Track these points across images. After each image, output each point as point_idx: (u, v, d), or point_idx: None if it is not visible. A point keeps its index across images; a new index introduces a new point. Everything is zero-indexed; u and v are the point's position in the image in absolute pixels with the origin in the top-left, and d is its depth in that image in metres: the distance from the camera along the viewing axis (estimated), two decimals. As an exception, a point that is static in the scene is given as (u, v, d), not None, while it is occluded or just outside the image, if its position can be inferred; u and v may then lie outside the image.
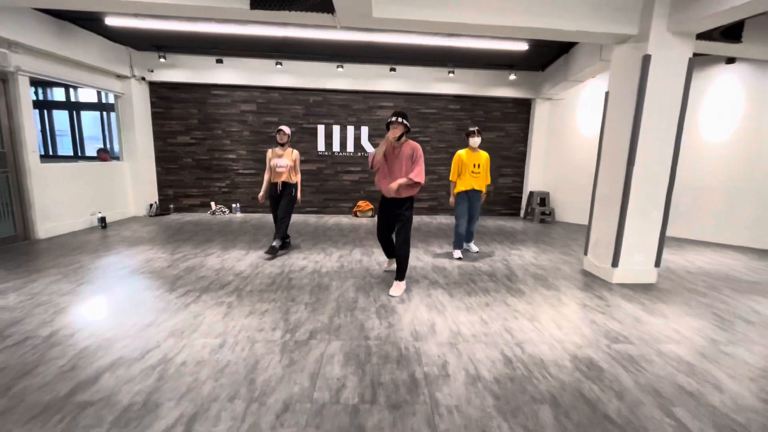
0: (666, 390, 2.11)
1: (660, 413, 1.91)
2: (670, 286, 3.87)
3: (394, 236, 3.65)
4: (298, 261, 4.39)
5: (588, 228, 4.35)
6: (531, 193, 7.81)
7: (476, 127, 4.62)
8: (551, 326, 2.87)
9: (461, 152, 4.57)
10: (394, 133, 3.21)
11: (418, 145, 3.36)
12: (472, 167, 4.54)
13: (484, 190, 4.70)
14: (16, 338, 2.48)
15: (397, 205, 3.42)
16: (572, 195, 7.53)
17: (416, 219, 7.65)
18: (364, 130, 7.64)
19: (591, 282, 3.94)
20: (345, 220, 7.30)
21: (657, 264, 3.94)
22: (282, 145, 4.54)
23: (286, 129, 4.53)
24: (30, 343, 2.42)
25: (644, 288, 3.80)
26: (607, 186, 4.07)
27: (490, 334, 2.71)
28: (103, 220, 5.93)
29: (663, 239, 3.89)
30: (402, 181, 3.25)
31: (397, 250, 3.48)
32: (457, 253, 4.71)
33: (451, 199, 4.75)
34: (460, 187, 4.59)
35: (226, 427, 1.72)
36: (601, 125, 4.14)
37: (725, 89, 5.79)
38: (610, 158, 4.01)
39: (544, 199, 7.74)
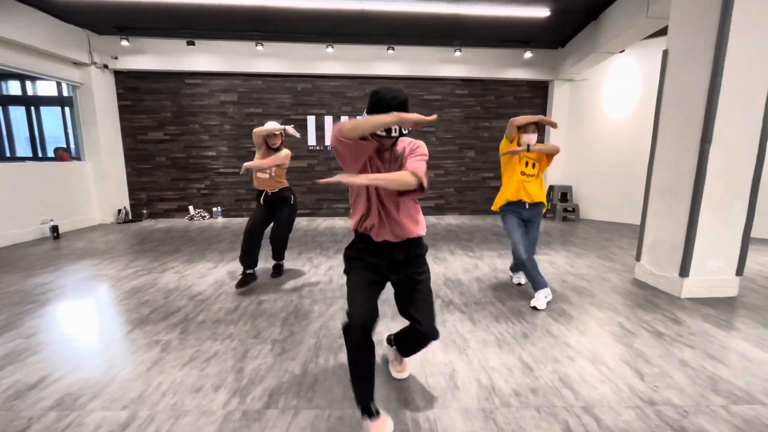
0: None
1: None
2: (757, 300, 2.94)
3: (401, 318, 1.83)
4: (277, 278, 3.50)
5: (641, 227, 3.43)
6: (551, 188, 6.88)
7: (534, 120, 2.77)
8: (626, 372, 1.96)
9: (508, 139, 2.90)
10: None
11: (415, 141, 1.62)
12: (522, 165, 2.87)
13: (544, 200, 2.95)
14: None
15: (406, 253, 1.59)
16: (599, 188, 6.60)
17: (421, 220, 6.75)
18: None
19: (653, 297, 3.02)
20: (340, 222, 6.42)
21: (739, 272, 3.02)
22: (277, 149, 3.23)
23: (277, 127, 3.16)
24: None
25: (726, 304, 2.87)
26: (669, 173, 3.15)
27: (539, 390, 1.80)
28: (55, 229, 5.07)
29: (748, 239, 2.96)
30: (383, 176, 1.36)
31: (425, 335, 1.60)
32: (518, 278, 3.32)
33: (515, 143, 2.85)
34: (506, 194, 2.92)
35: None
36: (658, 95, 3.23)
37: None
38: (674, 136, 3.09)
39: (566, 194, 6.81)
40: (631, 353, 2.16)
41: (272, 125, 3.15)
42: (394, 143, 1.51)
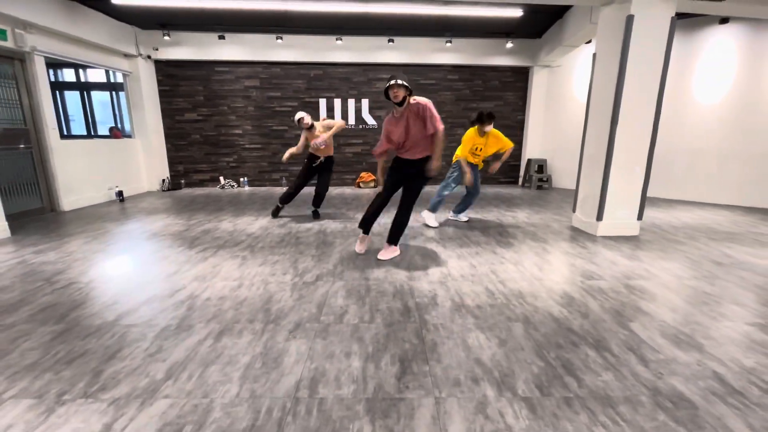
0: (626, 312, 2.42)
1: (617, 327, 2.23)
2: (651, 237, 4.14)
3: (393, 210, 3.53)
4: (305, 224, 4.72)
5: (576, 187, 4.60)
6: (529, 161, 8.00)
7: (488, 112, 4.23)
8: (533, 269, 3.18)
9: (470, 132, 4.38)
10: (395, 97, 2.95)
11: (422, 99, 3.03)
12: (475, 149, 4.38)
13: (480, 165, 4.58)
14: (62, 283, 2.86)
15: (414, 166, 3.21)
16: (569, 161, 7.70)
17: (417, 188, 7.92)
18: (365, 103, 7.83)
19: (577, 235, 4.23)
20: (348, 191, 7.60)
21: (639, 217, 4.20)
22: (309, 128, 4.60)
23: (305, 117, 4.53)
24: (75, 287, 2.80)
25: (626, 239, 4.08)
26: (593, 146, 4.29)
27: (477, 275, 3.03)
28: (120, 193, 6.29)
29: (645, 194, 4.13)
30: (437, 157, 3.12)
31: (398, 215, 3.32)
32: (431, 219, 4.70)
33: (467, 177, 4.32)
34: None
35: (248, 340, 2.08)
36: (589, 87, 4.33)
37: (719, 50, 5.87)
38: (596, 119, 4.21)
39: (541, 167, 7.94)
40: (540, 261, 3.38)
41: (301, 115, 4.58)
42: (402, 104, 3.03)
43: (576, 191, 4.61)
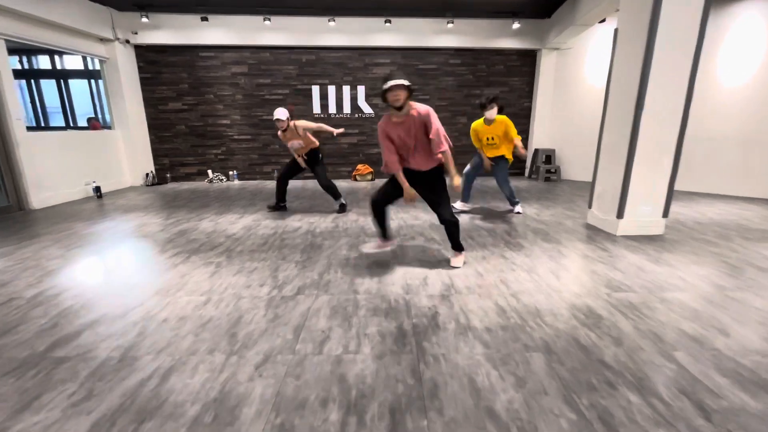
0: (667, 335, 2.00)
1: (660, 358, 1.81)
2: (678, 237, 3.70)
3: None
4: (293, 222, 4.29)
5: (593, 180, 4.14)
6: (536, 151, 7.53)
7: (490, 96, 4.03)
8: (550, 277, 2.75)
9: (476, 125, 4.26)
10: (395, 101, 2.48)
11: (422, 107, 2.62)
12: (486, 140, 4.25)
13: (506, 154, 4.34)
14: (0, 299, 2.45)
15: (426, 179, 2.85)
16: (579, 151, 7.23)
17: (417, 181, 7.46)
18: (361, 90, 7.33)
19: (594, 235, 3.79)
20: (344, 184, 7.15)
21: (665, 214, 3.76)
22: (284, 130, 4.36)
23: (281, 114, 4.23)
24: (14, 304, 2.39)
25: (650, 239, 3.64)
26: (613, 134, 3.82)
27: (484, 286, 2.60)
28: (98, 189, 5.86)
29: (672, 188, 3.68)
30: (454, 173, 2.77)
31: (449, 225, 2.86)
32: (461, 205, 4.70)
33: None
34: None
35: (202, 380, 1.66)
36: (609, 67, 3.84)
37: (747, 27, 5.34)
38: (618, 103, 3.74)
39: (549, 157, 7.46)
40: (557, 267, 2.95)
41: (278, 115, 4.26)
42: (402, 109, 2.55)
43: (592, 185, 4.15)
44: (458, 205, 4.72)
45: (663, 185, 3.68)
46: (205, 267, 2.98)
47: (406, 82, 2.46)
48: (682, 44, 3.33)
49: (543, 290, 2.54)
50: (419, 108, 2.61)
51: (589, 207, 4.22)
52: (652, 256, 3.17)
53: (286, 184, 4.81)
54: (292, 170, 4.69)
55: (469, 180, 4.59)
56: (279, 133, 4.42)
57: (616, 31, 3.75)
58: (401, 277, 2.76)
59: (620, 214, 3.73)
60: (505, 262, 3.06)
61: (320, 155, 4.62)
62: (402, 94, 2.47)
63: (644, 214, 3.73)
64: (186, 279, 2.75)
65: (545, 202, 5.34)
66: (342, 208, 4.73)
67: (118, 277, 2.80)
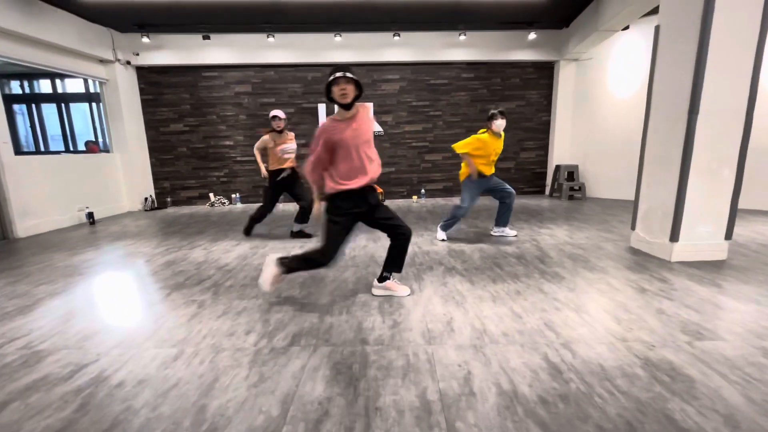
0: (797, 411, 1.43)
1: (803, 452, 1.24)
2: (745, 263, 3.11)
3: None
4: (294, 249, 3.82)
5: (636, 197, 3.61)
6: (557, 168, 7.01)
7: (499, 109, 3.79)
8: (606, 319, 2.20)
9: (484, 137, 3.75)
10: (342, 96, 2.15)
11: (367, 105, 2.58)
12: (493, 155, 3.83)
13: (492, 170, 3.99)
14: (-73, 355, 1.99)
15: (374, 196, 2.46)
16: (605, 166, 6.71)
17: (429, 201, 7.00)
18: (369, 107, 6.97)
19: (644, 261, 3.22)
20: (352, 205, 6.70)
21: (728, 236, 3.19)
22: (280, 132, 4.15)
23: (281, 113, 4.14)
24: (-58, 361, 1.93)
25: (713, 266, 3.06)
26: (660, 144, 3.31)
27: (526, 332, 2.06)
28: (90, 215, 5.51)
29: (736, 204, 3.12)
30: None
31: (407, 240, 2.48)
32: (442, 235, 4.14)
33: (474, 173, 3.83)
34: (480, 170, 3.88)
35: (146, 489, 1.15)
36: (651, 69, 3.37)
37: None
38: (665, 109, 3.25)
39: (572, 173, 6.93)
40: (612, 304, 2.39)
41: (278, 112, 4.12)
42: (350, 107, 2.24)
43: (635, 203, 3.61)
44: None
45: (724, 201, 3.13)
46: (185, 307, 2.50)
47: (356, 78, 2.18)
48: (742, 35, 2.85)
49: (602, 338, 1.98)
50: (365, 107, 2.36)
51: (632, 228, 3.66)
52: (725, 289, 2.59)
53: (270, 212, 4.44)
54: (275, 195, 4.31)
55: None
56: (267, 136, 4.13)
57: (657, 28, 3.30)
58: (420, 320, 2.23)
59: (674, 237, 3.17)
60: (545, 298, 2.52)
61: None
62: (350, 90, 2.17)
63: (703, 236, 3.17)
64: (159, 324, 2.27)
65: (575, 223, 4.78)
66: (303, 235, 4.34)
67: (80, 322, 2.34)
